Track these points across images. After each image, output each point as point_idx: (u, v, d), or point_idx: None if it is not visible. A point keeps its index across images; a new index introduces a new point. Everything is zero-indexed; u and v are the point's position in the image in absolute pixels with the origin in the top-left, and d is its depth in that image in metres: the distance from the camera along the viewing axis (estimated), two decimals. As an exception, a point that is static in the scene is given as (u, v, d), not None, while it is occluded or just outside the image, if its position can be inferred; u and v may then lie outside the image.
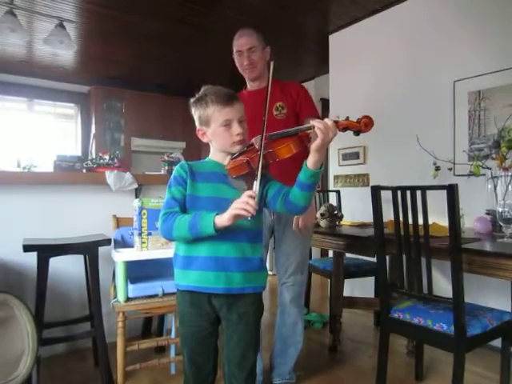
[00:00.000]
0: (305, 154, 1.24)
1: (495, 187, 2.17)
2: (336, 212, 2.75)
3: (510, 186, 2.10)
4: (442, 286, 2.34)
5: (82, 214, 2.54)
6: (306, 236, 2.08)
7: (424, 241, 1.73)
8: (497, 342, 1.85)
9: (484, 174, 2.31)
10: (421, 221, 1.72)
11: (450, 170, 2.75)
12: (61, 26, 3.49)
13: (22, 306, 1.78)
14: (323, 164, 1.22)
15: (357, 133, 1.22)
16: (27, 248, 1.89)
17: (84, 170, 2.73)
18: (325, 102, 4.77)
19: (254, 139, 1.27)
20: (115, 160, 2.82)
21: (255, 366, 1.35)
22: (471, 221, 2.32)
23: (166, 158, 3.05)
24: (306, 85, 4.96)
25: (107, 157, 2.81)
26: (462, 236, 1.76)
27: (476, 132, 2.77)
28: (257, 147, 1.22)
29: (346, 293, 3.00)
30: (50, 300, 2.14)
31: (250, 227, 1.24)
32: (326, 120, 1.19)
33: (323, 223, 2.66)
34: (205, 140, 1.35)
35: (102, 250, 2.06)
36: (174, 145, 5.78)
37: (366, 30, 3.57)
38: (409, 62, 3.22)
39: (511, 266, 1.61)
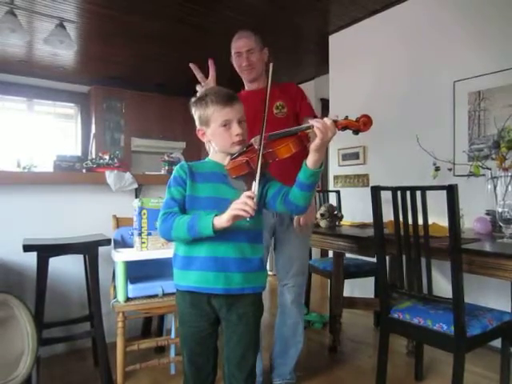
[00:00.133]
0: (304, 153, 1.24)
1: (495, 187, 2.17)
2: (336, 212, 2.75)
3: (509, 187, 2.10)
4: (442, 286, 2.34)
5: (82, 214, 2.54)
6: (306, 236, 2.09)
7: (424, 241, 1.73)
8: (497, 342, 1.85)
9: (484, 175, 2.32)
10: (421, 221, 1.72)
11: (450, 170, 2.75)
12: (61, 26, 3.50)
13: (22, 306, 1.78)
14: (323, 163, 1.22)
15: (356, 132, 1.22)
16: (27, 248, 1.90)
17: (84, 170, 2.73)
18: (325, 103, 4.77)
19: (253, 139, 1.27)
20: (115, 160, 2.81)
21: (255, 367, 1.35)
22: (471, 221, 2.32)
23: (166, 158, 3.05)
24: (305, 85, 4.97)
25: (107, 157, 2.81)
26: (461, 236, 1.76)
27: (476, 132, 2.76)
28: (256, 147, 1.22)
29: (346, 293, 3.00)
30: (50, 300, 2.13)
31: (249, 227, 1.24)
32: (325, 119, 1.18)
33: (323, 223, 2.66)
34: (205, 140, 1.35)
35: (101, 249, 2.06)
36: (174, 145, 5.78)
37: (366, 31, 3.57)
38: (409, 62, 3.22)
39: (511, 267, 1.61)
